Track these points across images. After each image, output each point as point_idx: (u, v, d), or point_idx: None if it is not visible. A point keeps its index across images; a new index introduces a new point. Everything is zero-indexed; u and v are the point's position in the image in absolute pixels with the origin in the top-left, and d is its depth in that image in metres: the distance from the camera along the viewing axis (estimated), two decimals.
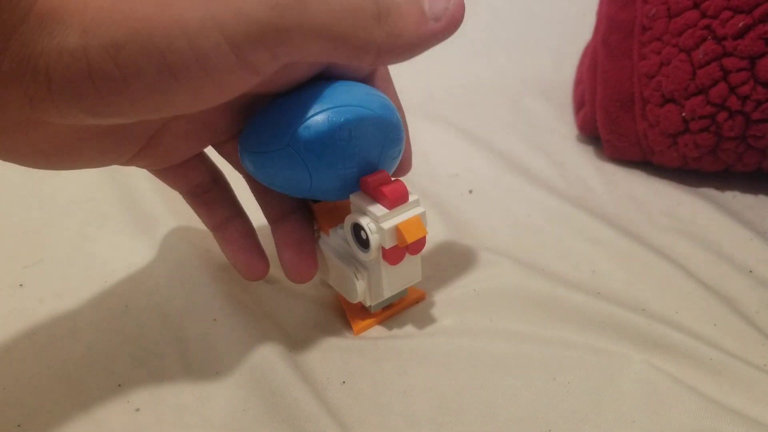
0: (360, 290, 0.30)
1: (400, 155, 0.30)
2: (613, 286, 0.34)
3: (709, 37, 0.39)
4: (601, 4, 0.49)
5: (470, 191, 0.43)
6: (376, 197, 0.28)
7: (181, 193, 0.32)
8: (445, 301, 0.33)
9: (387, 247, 0.28)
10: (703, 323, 0.31)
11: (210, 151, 0.31)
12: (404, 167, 0.32)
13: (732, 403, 0.27)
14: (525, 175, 0.45)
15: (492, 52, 0.65)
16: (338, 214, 0.32)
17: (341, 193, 0.29)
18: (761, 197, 0.43)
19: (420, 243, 0.29)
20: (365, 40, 0.22)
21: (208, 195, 0.31)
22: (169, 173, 0.31)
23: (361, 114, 0.27)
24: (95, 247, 0.38)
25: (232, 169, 0.32)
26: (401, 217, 0.28)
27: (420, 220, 0.28)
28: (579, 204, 0.42)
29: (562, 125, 0.52)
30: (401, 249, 0.29)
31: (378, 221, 0.28)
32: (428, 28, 0.24)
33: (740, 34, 0.39)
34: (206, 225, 0.32)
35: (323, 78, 0.28)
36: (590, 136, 0.50)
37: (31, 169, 0.25)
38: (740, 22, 0.39)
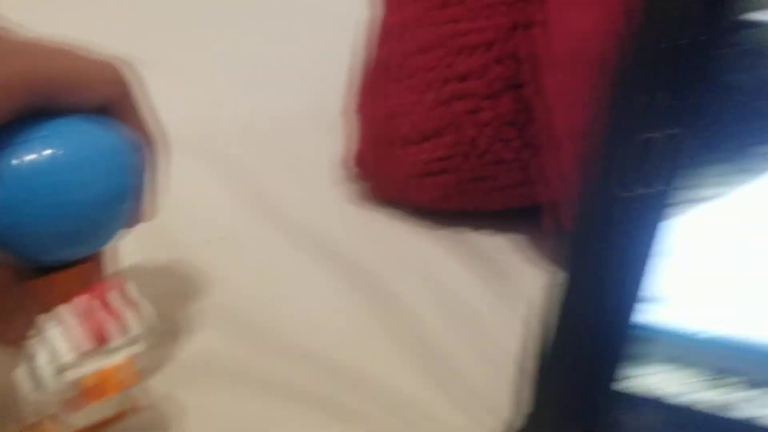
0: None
1: (128, 202, 0.25)
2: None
3: (442, 79, 0.39)
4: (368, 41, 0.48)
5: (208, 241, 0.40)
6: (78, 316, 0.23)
7: None
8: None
9: (67, 398, 0.22)
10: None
11: None
12: (144, 214, 0.27)
13: None
14: (278, 221, 0.42)
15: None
16: (57, 293, 0.24)
17: (43, 244, 0.23)
18: (509, 236, 0.42)
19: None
20: None
21: None
22: None
23: (54, 146, 0.23)
24: None
25: None
26: (101, 361, 0.22)
27: (131, 365, 0.23)
28: (327, 253, 0.40)
29: (331, 161, 0.50)
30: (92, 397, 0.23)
31: (59, 366, 0.22)
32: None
33: (475, 75, 0.38)
34: None
35: (40, 113, 0.23)
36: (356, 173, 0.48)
37: None
38: (476, 62, 0.38)
